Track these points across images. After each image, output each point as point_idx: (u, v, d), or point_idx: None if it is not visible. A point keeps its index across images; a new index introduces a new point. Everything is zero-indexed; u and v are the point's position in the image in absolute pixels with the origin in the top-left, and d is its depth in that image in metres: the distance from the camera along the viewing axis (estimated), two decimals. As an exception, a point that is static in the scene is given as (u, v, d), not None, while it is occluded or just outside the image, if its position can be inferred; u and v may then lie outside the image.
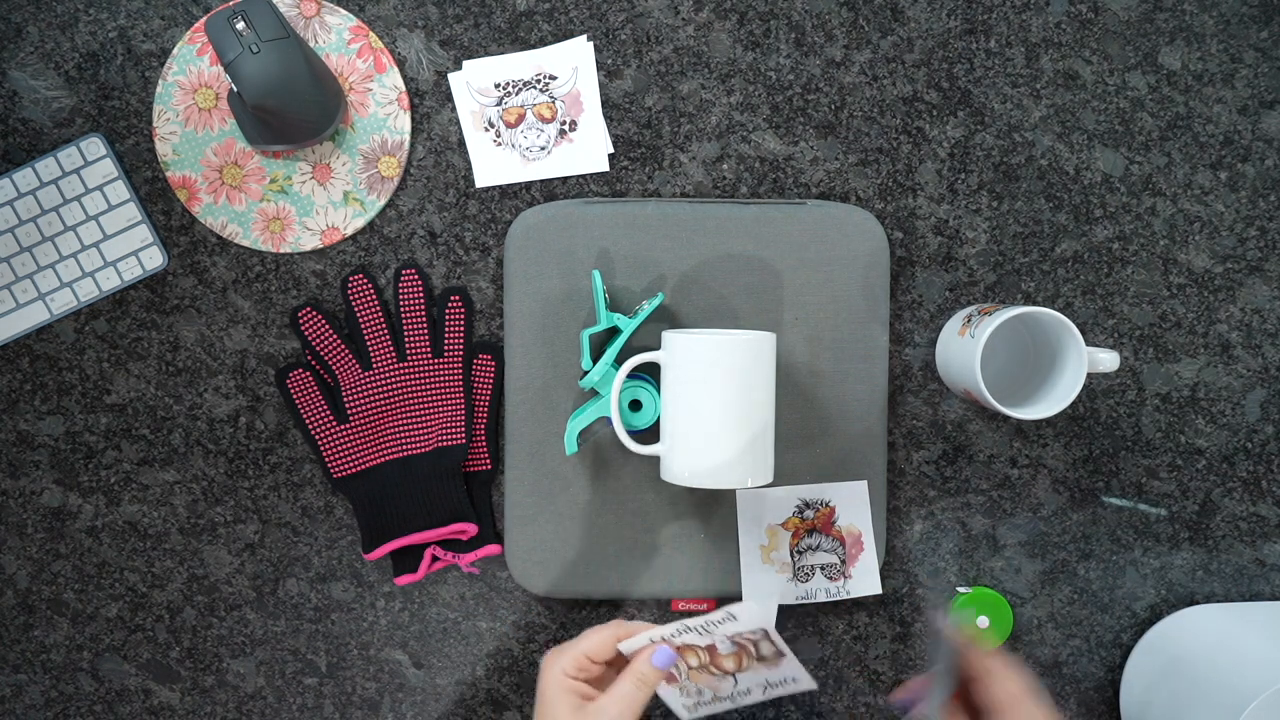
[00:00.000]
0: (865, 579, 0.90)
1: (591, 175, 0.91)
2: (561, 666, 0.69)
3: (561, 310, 0.89)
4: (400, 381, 0.90)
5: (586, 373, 0.89)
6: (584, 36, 0.90)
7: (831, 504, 0.90)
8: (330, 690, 0.93)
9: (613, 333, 0.89)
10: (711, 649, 0.72)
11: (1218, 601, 0.94)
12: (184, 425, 0.91)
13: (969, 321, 0.86)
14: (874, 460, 0.91)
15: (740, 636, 0.72)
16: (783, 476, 0.90)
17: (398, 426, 0.90)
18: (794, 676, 0.75)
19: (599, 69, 0.90)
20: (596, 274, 0.86)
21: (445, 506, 0.90)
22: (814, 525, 0.90)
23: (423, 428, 0.90)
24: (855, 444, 0.90)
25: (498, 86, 0.90)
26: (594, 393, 0.90)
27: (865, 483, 0.90)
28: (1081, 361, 0.83)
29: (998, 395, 0.89)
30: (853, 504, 0.90)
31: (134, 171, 0.90)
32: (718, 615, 0.70)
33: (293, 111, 0.83)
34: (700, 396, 0.81)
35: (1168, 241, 0.92)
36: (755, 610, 0.70)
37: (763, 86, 0.91)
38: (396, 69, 0.89)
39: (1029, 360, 0.91)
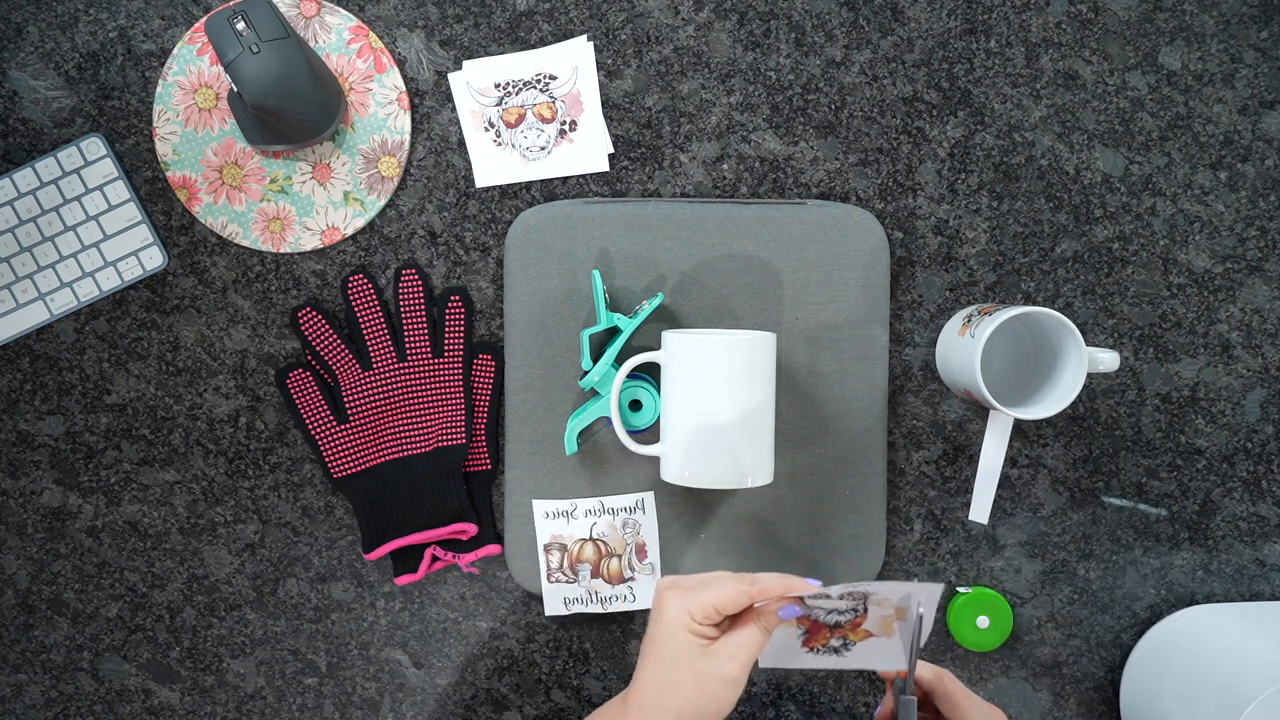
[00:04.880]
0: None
1: (591, 175, 0.91)
2: (689, 610, 0.66)
3: (561, 310, 0.89)
4: (400, 381, 0.90)
5: (586, 373, 0.89)
6: (584, 36, 0.90)
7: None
8: (330, 690, 0.93)
9: (613, 333, 0.89)
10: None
11: (1218, 601, 0.94)
12: (184, 425, 0.91)
13: (969, 321, 0.86)
14: (874, 460, 0.91)
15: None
16: (783, 476, 0.90)
17: (398, 426, 0.91)
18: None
19: (599, 69, 0.91)
20: (596, 274, 0.86)
21: (445, 506, 0.90)
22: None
23: (423, 428, 0.90)
24: (855, 444, 0.90)
25: (498, 86, 0.90)
26: (594, 393, 0.90)
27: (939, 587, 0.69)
28: (1081, 361, 0.83)
29: (998, 395, 0.89)
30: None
31: (134, 171, 0.90)
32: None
33: (293, 111, 0.83)
34: (700, 396, 0.81)
35: (1168, 241, 0.92)
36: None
37: (763, 86, 0.91)
38: (396, 69, 0.89)
39: (1029, 360, 0.91)
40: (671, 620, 0.67)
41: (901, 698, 0.71)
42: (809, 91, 0.91)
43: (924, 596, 0.67)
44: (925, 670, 0.74)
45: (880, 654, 0.70)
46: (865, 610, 0.68)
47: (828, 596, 0.67)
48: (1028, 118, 0.92)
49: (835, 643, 0.70)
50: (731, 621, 0.68)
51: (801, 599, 0.67)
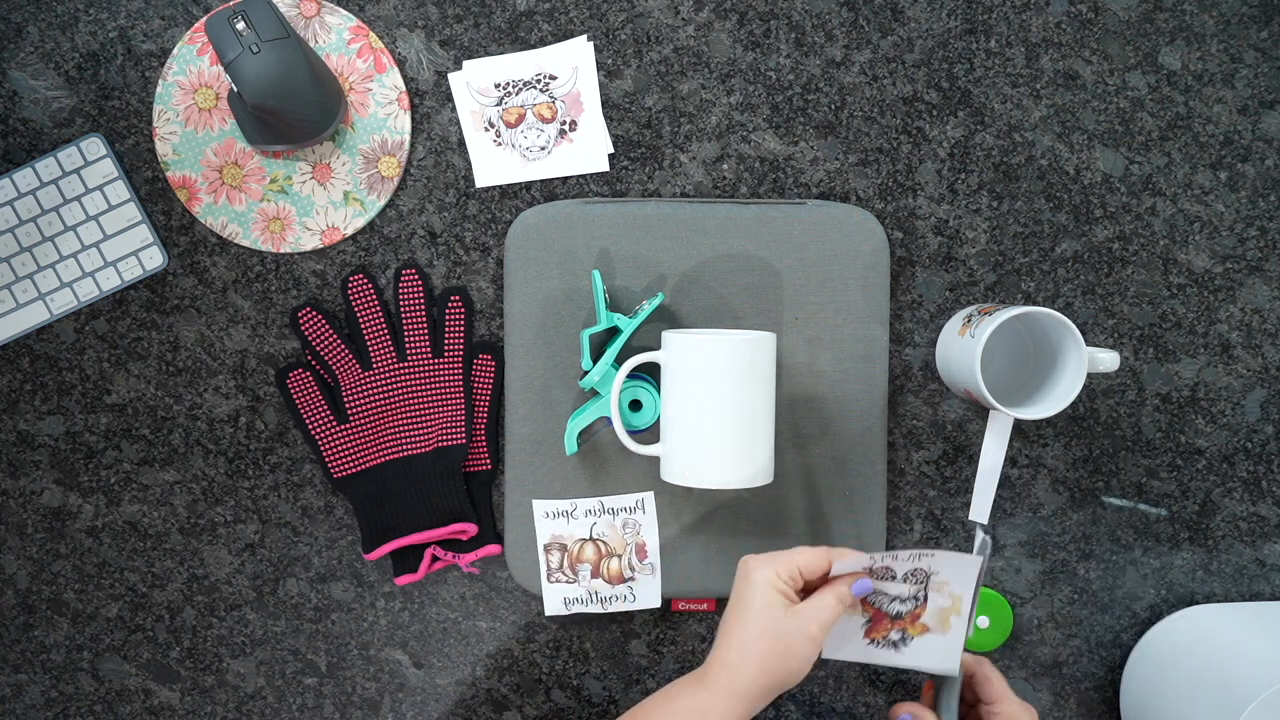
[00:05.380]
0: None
1: (591, 175, 0.91)
2: (776, 571, 0.73)
3: (561, 310, 0.89)
4: (400, 381, 0.90)
5: (586, 373, 0.89)
6: (584, 36, 0.90)
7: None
8: (330, 690, 0.93)
9: (613, 333, 0.89)
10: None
11: (1218, 601, 0.94)
12: (184, 425, 0.91)
13: (969, 321, 0.86)
14: (874, 460, 0.91)
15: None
16: (783, 476, 0.90)
17: (398, 426, 0.91)
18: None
19: (599, 69, 0.91)
20: (596, 274, 0.86)
21: (445, 506, 0.90)
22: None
23: (423, 428, 0.90)
24: (855, 444, 0.90)
25: (498, 86, 0.90)
26: (594, 393, 0.90)
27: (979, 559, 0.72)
28: (1081, 361, 0.83)
29: (998, 395, 0.89)
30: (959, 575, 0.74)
31: (134, 171, 0.90)
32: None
33: (293, 111, 0.83)
34: (700, 396, 0.81)
35: (1168, 241, 0.93)
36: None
37: (763, 86, 0.91)
38: (396, 69, 0.89)
39: (1029, 360, 0.91)
40: (760, 580, 0.72)
41: (950, 677, 0.75)
42: (809, 91, 0.91)
43: (981, 551, 0.73)
44: (965, 657, 0.78)
45: (934, 652, 0.74)
46: (925, 600, 0.73)
47: (891, 574, 0.72)
48: (1028, 118, 0.92)
49: (895, 635, 0.75)
50: (808, 592, 0.74)
51: (871, 571, 0.73)
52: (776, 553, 0.74)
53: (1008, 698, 0.76)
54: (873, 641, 0.75)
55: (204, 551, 0.92)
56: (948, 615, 0.73)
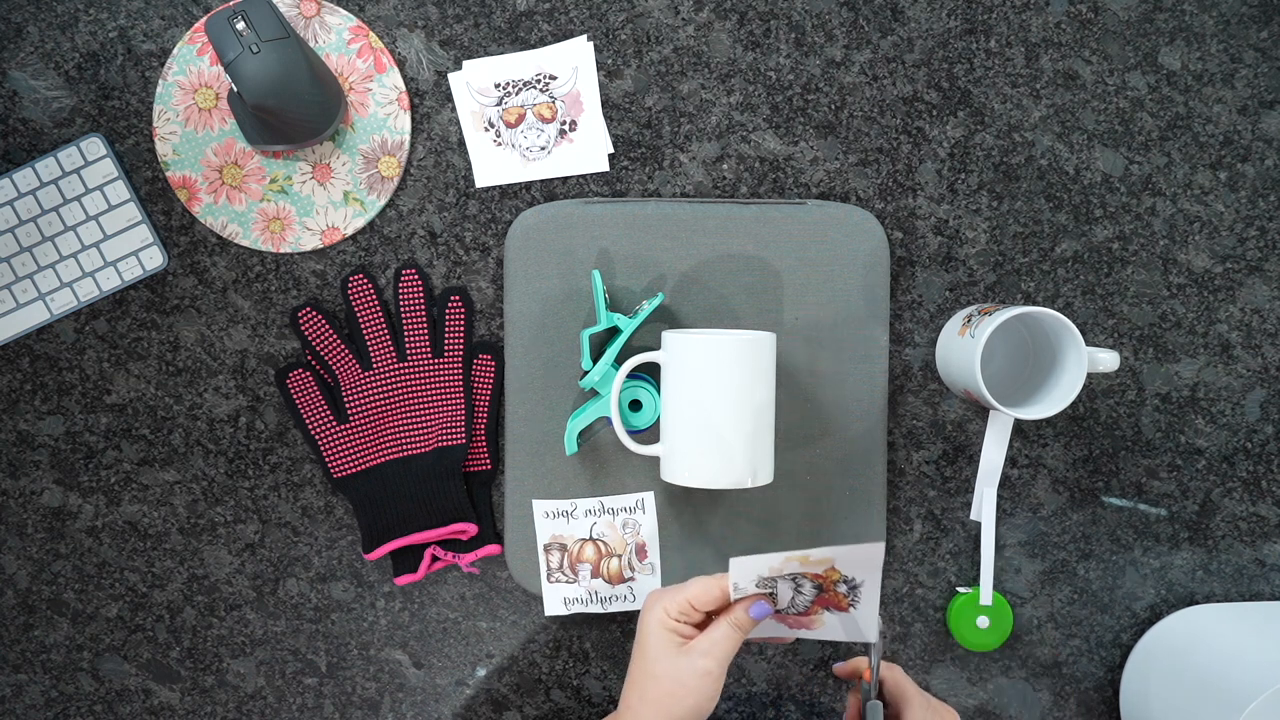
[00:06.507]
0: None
1: (591, 175, 0.91)
2: (664, 608, 0.72)
3: (561, 310, 0.89)
4: (400, 381, 0.90)
5: (586, 373, 0.89)
6: (584, 36, 0.90)
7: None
8: (330, 690, 0.93)
9: (613, 333, 0.89)
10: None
11: (1218, 601, 0.94)
12: (184, 425, 0.91)
13: (969, 321, 0.86)
14: (874, 460, 0.91)
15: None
16: (783, 476, 0.90)
17: (398, 426, 0.91)
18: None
19: (599, 69, 0.91)
20: (596, 274, 0.87)
21: (445, 506, 0.90)
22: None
23: (423, 428, 0.90)
24: (855, 444, 0.90)
25: (498, 86, 0.90)
26: (594, 393, 0.90)
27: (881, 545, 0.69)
28: (1081, 361, 0.83)
29: (998, 395, 0.89)
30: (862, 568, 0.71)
31: (134, 171, 0.90)
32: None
33: (293, 111, 0.83)
34: (700, 397, 0.81)
35: (1168, 241, 0.93)
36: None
37: (763, 86, 0.91)
38: (396, 69, 0.89)
39: (1029, 360, 0.91)
40: (652, 620, 0.72)
41: (869, 702, 0.76)
42: (809, 91, 0.91)
43: (864, 560, 0.70)
44: (884, 673, 0.79)
45: (848, 626, 0.74)
46: (822, 590, 0.72)
47: (794, 581, 0.71)
48: (1028, 118, 0.92)
49: (806, 618, 0.75)
50: (711, 621, 0.73)
51: (771, 596, 0.72)
52: (670, 587, 0.73)
53: (916, 701, 0.75)
54: (785, 624, 0.75)
55: (204, 551, 0.92)
56: (844, 598, 0.71)
